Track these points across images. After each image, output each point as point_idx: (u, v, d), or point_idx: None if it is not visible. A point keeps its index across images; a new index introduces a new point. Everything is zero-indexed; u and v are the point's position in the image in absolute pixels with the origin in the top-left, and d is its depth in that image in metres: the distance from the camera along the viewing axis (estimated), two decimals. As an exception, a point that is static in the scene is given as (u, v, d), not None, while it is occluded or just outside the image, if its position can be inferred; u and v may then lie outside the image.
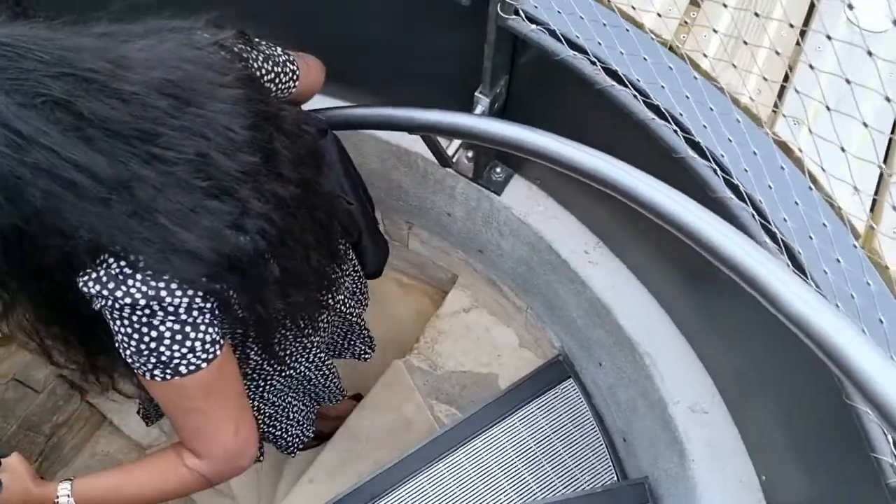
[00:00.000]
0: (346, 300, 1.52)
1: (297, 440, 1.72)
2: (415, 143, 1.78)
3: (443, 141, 1.44)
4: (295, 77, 1.16)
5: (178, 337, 0.88)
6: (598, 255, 1.71)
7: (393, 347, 2.38)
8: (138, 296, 0.83)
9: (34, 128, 0.74)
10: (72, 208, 0.77)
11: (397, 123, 1.33)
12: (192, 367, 0.91)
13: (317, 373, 1.59)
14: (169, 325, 0.87)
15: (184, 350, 0.89)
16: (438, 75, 1.57)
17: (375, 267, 1.63)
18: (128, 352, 0.89)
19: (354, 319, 1.63)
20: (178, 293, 0.85)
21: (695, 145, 1.03)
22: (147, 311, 0.85)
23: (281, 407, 1.60)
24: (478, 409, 1.98)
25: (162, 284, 0.84)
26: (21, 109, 0.74)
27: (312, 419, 1.76)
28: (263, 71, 1.08)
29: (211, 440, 0.99)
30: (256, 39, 1.11)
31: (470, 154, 1.70)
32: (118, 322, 0.87)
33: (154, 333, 0.87)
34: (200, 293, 0.87)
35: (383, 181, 2.02)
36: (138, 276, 0.83)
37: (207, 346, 0.91)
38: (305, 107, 1.40)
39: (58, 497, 1.02)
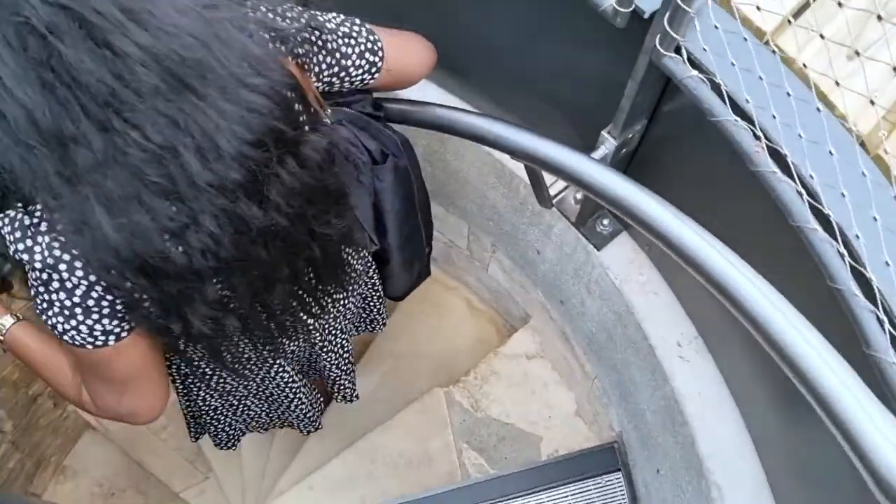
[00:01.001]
0: (332, 325, 1.39)
1: (235, 439, 1.61)
2: (521, 166, 1.57)
3: (548, 176, 1.21)
4: (374, 69, 1.05)
5: (66, 313, 0.84)
6: (693, 351, 1.44)
7: (441, 371, 2.19)
8: (38, 258, 0.80)
9: None
10: None
11: (497, 142, 1.12)
12: (76, 343, 0.87)
13: (280, 392, 1.45)
14: (62, 297, 0.83)
15: (68, 327, 0.85)
16: (568, 99, 1.35)
17: (396, 294, 1.53)
18: (31, 288, 0.86)
19: (340, 346, 1.48)
20: (79, 273, 0.80)
21: (868, 288, 0.76)
22: (44, 276, 0.81)
23: (230, 403, 1.47)
24: (510, 472, 1.75)
25: (67, 257, 0.79)
26: None
27: (267, 426, 1.63)
28: (324, 66, 0.98)
29: (94, 396, 1.00)
30: (333, 19, 1.00)
31: (578, 195, 1.46)
32: (26, 268, 0.83)
33: (46, 296, 0.84)
34: (103, 283, 0.81)
35: (478, 195, 1.81)
36: (46, 239, 0.79)
37: (97, 334, 0.86)
38: (400, 94, 1.24)
39: None
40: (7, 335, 1.03)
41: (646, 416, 1.59)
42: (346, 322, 1.46)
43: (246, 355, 1.19)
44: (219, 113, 0.75)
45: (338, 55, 1.00)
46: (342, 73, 1.03)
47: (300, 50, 0.92)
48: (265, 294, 0.94)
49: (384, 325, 1.62)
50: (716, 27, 0.87)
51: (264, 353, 1.19)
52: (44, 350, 1.04)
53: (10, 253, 0.81)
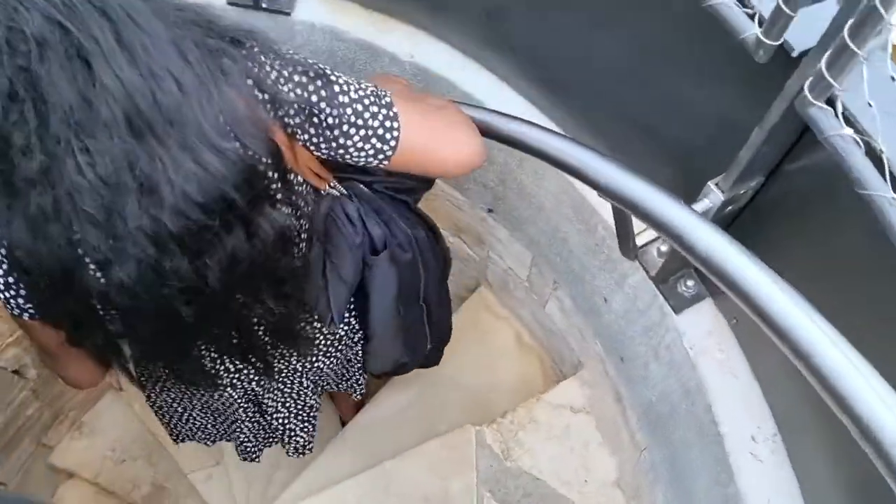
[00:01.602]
0: (287, 383, 1.36)
1: (190, 437, 1.55)
2: (604, 205, 1.40)
3: (637, 222, 1.04)
4: (381, 156, 0.92)
5: None
6: (768, 450, 1.24)
7: (476, 405, 2.02)
8: None
9: None
10: None
11: (583, 172, 0.96)
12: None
13: (225, 408, 1.40)
14: None
15: None
16: (675, 138, 1.18)
17: (373, 371, 1.49)
18: None
19: (297, 401, 1.43)
20: (2, 251, 0.79)
21: None
22: None
23: (170, 406, 1.43)
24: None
25: None
26: None
27: (214, 439, 1.56)
28: (320, 141, 0.89)
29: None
30: (350, 90, 0.88)
31: (664, 248, 1.28)
32: None
33: None
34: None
35: (550, 226, 1.65)
36: None
37: (13, 306, 0.85)
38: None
39: None
40: None
41: (698, 510, 1.39)
42: (312, 381, 1.41)
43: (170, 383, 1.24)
44: (173, 165, 0.72)
45: (337, 132, 0.88)
46: (341, 151, 0.91)
47: (293, 120, 0.85)
48: (181, 341, 0.93)
49: (361, 393, 1.59)
50: (893, 78, 0.68)
51: (192, 386, 1.22)
52: None
53: None
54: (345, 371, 1.50)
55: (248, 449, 1.56)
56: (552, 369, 2.09)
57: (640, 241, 1.08)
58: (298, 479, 1.94)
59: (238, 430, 1.48)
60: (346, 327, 1.31)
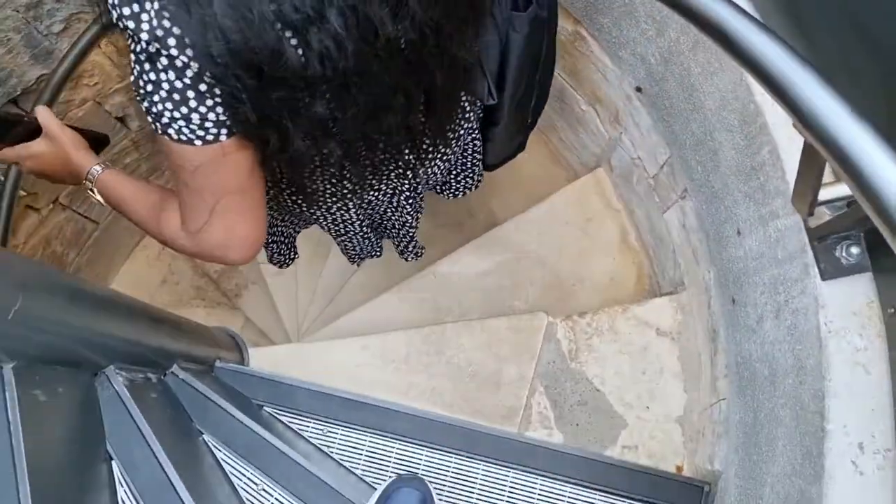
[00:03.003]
0: (414, 185, 1.26)
1: (289, 258, 1.54)
2: (782, 125, 1.14)
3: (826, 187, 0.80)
4: None
5: (176, 97, 0.72)
6: (875, 465, 1.05)
7: (557, 290, 1.88)
8: (145, 27, 0.67)
9: None
10: None
11: (779, 84, 0.71)
12: (181, 137, 0.76)
13: (334, 226, 1.35)
14: (171, 77, 0.71)
15: (177, 114, 0.73)
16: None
17: (492, 161, 1.38)
18: (131, 78, 0.75)
19: (415, 208, 1.36)
20: (189, 53, 0.68)
21: None
22: (150, 49, 0.68)
23: (288, 220, 1.38)
24: (576, 453, 1.47)
25: (177, 31, 0.67)
26: None
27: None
28: None
29: (191, 216, 0.86)
30: None
31: (839, 204, 1.02)
32: (127, 42, 0.71)
33: (153, 76, 0.71)
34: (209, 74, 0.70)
35: (703, 129, 1.39)
36: (156, 5, 0.66)
37: (209, 125, 0.75)
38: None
39: (87, 174, 1.01)
40: (98, 181, 1.00)
41: (763, 490, 1.24)
42: (434, 181, 1.35)
43: (324, 187, 1.11)
44: None
45: None
46: None
47: None
48: (372, 123, 0.85)
49: (465, 192, 1.47)
50: None
51: (346, 189, 1.10)
52: (133, 188, 0.99)
53: (114, 19, 0.69)
54: (450, 170, 1.40)
55: (353, 255, 1.54)
56: (648, 279, 1.90)
57: (825, 195, 0.84)
58: (359, 309, 1.89)
59: (346, 242, 1.45)
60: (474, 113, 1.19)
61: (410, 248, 1.52)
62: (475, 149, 1.32)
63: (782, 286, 1.21)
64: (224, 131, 0.76)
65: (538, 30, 1.10)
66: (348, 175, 1.03)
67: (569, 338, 1.67)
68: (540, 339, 1.66)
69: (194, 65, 0.69)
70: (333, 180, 1.08)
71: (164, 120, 0.74)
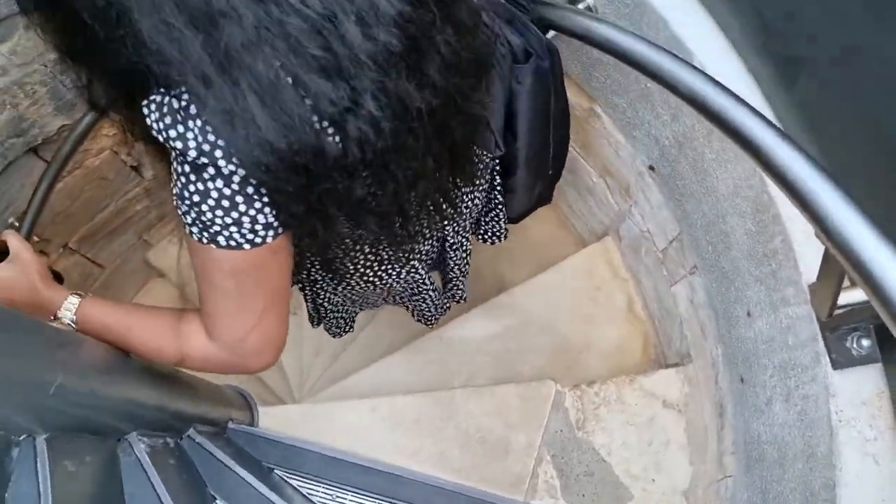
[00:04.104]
0: (461, 225, 1.28)
1: (349, 327, 1.62)
2: (795, 217, 1.18)
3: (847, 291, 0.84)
4: None
5: (226, 204, 0.73)
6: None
7: (563, 358, 1.90)
8: (192, 144, 0.69)
9: None
10: (143, 18, 0.63)
11: (796, 183, 0.75)
12: (231, 243, 0.76)
13: (407, 287, 1.36)
14: (219, 185, 0.71)
15: (227, 220, 0.74)
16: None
17: (513, 213, 1.39)
18: (174, 191, 0.75)
19: (465, 247, 1.38)
20: (235, 161, 0.69)
21: None
22: (199, 162, 0.70)
23: (352, 299, 1.41)
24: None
25: (222, 143, 0.68)
26: None
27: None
28: None
29: (226, 325, 0.84)
30: None
31: (854, 298, 1.06)
32: (172, 157, 0.73)
33: (200, 186, 0.72)
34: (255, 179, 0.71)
35: (715, 212, 1.43)
36: (199, 122, 0.68)
37: (258, 227, 0.75)
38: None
39: (61, 308, 0.93)
40: (79, 314, 0.93)
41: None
42: (471, 221, 1.34)
43: (350, 269, 1.13)
44: None
45: None
46: None
47: None
48: (408, 192, 0.85)
49: (494, 240, 1.45)
50: None
51: (398, 254, 1.13)
52: (130, 312, 0.94)
53: (161, 140, 0.71)
54: (484, 213, 1.41)
55: (428, 316, 1.55)
56: (654, 349, 1.93)
57: (844, 300, 0.87)
58: (366, 370, 1.90)
59: (420, 303, 1.46)
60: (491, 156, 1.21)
61: (460, 288, 1.52)
62: (497, 199, 1.34)
63: (793, 371, 1.24)
64: (271, 232, 0.76)
65: (543, 80, 1.11)
66: (385, 247, 1.03)
67: (576, 407, 1.69)
68: (548, 407, 1.68)
69: (241, 171, 0.70)
70: (369, 255, 1.09)
71: (215, 228, 0.74)
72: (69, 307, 0.92)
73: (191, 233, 0.76)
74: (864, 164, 1.01)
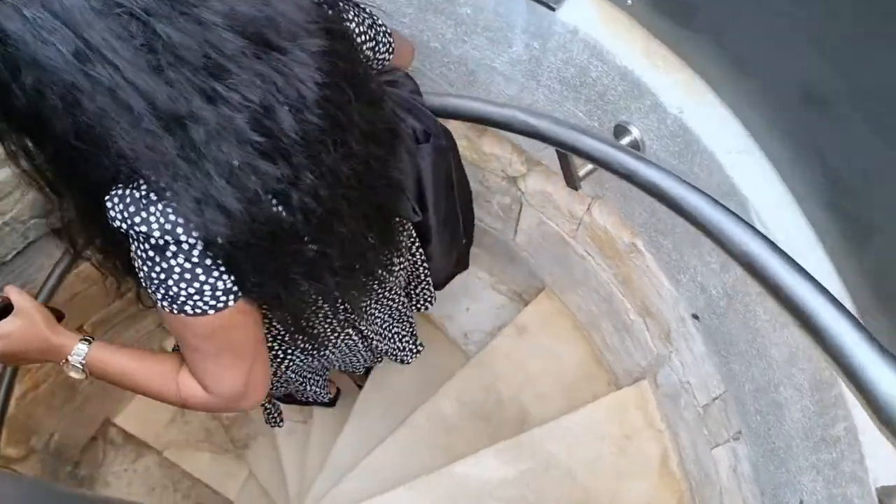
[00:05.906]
0: (393, 294, 1.42)
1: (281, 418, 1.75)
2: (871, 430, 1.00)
3: None
4: (390, 50, 1.13)
5: (188, 276, 0.82)
6: None
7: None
8: (155, 226, 0.78)
9: (104, 41, 0.70)
10: (123, 133, 0.73)
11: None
12: (197, 311, 0.85)
13: (339, 355, 1.46)
14: (180, 261, 0.81)
15: (191, 290, 0.83)
16: None
17: (436, 280, 1.55)
18: (140, 275, 0.85)
19: (400, 311, 1.51)
20: (195, 234, 0.79)
21: None
22: (160, 243, 0.79)
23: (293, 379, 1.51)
24: None
25: (181, 220, 0.78)
26: (96, 17, 0.70)
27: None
28: (361, 30, 1.05)
29: (213, 379, 0.95)
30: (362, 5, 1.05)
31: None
32: (134, 245, 0.82)
33: (164, 265, 0.81)
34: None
35: (766, 378, 1.26)
36: (160, 206, 0.77)
37: (219, 293, 0.84)
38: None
39: (71, 354, 0.99)
40: (88, 359, 0.99)
41: None
42: (400, 304, 1.47)
43: (317, 329, 1.24)
44: (297, 62, 0.78)
45: (372, 29, 1.07)
46: (374, 46, 1.08)
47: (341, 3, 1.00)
48: (355, 248, 0.96)
49: (427, 306, 1.61)
50: None
51: (340, 318, 1.26)
52: (135, 358, 1.01)
53: (125, 230, 0.80)
54: (410, 283, 1.53)
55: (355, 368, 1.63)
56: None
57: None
58: (370, 501, 1.72)
59: (355, 363, 1.55)
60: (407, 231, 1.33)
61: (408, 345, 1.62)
62: (423, 262, 1.45)
63: None
64: (232, 297, 0.85)
65: (443, 155, 1.24)
66: (343, 305, 1.16)
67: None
68: None
69: (199, 244, 0.79)
70: (330, 315, 1.21)
71: (181, 299, 0.83)
72: (79, 353, 0.99)
73: (162, 307, 0.85)
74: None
